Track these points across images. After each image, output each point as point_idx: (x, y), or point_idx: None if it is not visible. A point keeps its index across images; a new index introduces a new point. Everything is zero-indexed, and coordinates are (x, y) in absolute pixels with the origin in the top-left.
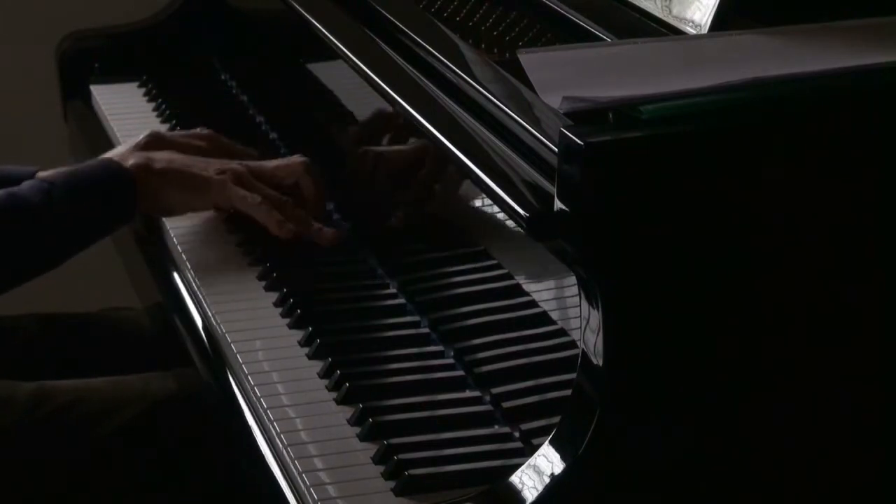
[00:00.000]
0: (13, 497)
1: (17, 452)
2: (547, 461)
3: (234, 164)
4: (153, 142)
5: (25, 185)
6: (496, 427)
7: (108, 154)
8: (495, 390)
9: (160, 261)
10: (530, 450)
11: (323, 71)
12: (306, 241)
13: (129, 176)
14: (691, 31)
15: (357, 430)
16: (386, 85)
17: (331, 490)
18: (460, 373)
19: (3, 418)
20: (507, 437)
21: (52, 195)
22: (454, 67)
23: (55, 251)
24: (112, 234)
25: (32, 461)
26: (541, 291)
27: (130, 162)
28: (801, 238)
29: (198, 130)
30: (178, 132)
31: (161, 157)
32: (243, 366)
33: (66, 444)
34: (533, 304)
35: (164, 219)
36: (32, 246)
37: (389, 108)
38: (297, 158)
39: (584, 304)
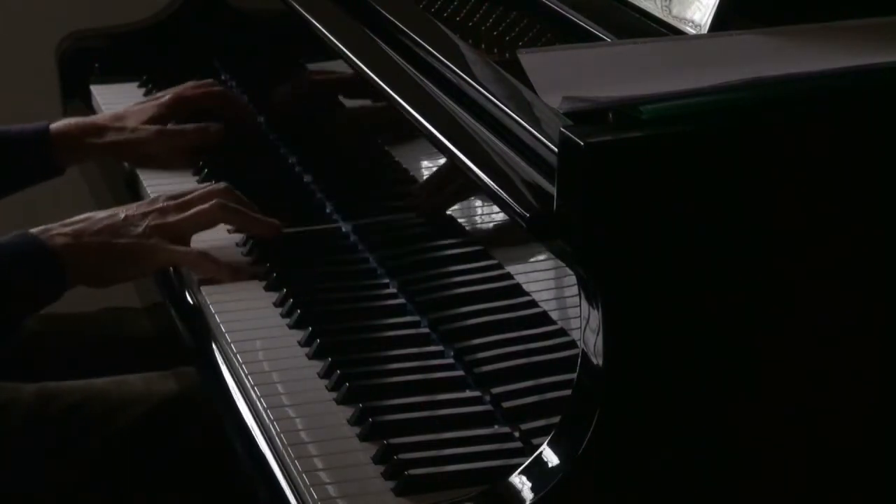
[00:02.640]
0: (19, 498)
1: (22, 454)
2: (547, 461)
3: (156, 214)
4: (174, 103)
5: None
6: (496, 427)
7: (116, 112)
8: (495, 390)
9: None
10: (530, 450)
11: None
12: (306, 241)
13: (56, 257)
14: (691, 31)
15: (357, 430)
16: (386, 85)
17: (331, 490)
18: (460, 373)
19: (8, 420)
20: (507, 437)
21: None
22: (454, 67)
23: None
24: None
25: (37, 462)
26: (541, 291)
27: (58, 243)
28: (801, 238)
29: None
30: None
31: (88, 231)
32: (243, 366)
33: (71, 444)
34: (533, 304)
35: (144, 183)
36: None
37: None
38: (218, 185)
39: (584, 304)
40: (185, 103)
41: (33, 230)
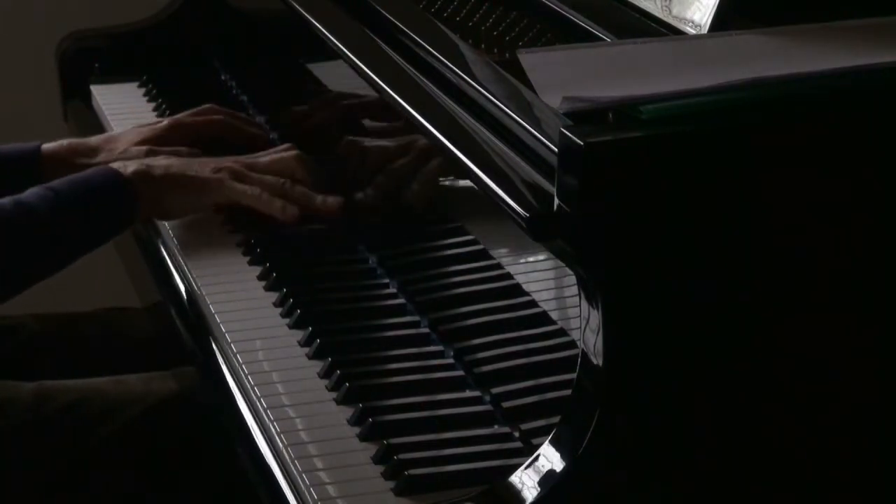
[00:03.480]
0: (15, 497)
1: (19, 453)
2: (547, 461)
3: (229, 162)
4: (170, 129)
5: (30, 192)
6: (496, 427)
7: (111, 134)
8: (495, 390)
9: (160, 261)
10: (530, 450)
11: (323, 71)
12: (306, 238)
13: (130, 185)
14: (691, 31)
15: (357, 430)
16: (386, 85)
17: (331, 490)
18: (460, 373)
19: (6, 419)
20: (507, 437)
21: (56, 203)
22: (454, 67)
23: (59, 257)
24: (113, 238)
25: (34, 461)
26: (541, 291)
27: (130, 170)
28: (801, 238)
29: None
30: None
31: (159, 164)
32: (243, 366)
33: (68, 444)
34: (533, 304)
35: None
36: (38, 252)
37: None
38: (289, 153)
39: (584, 304)
40: (183, 130)
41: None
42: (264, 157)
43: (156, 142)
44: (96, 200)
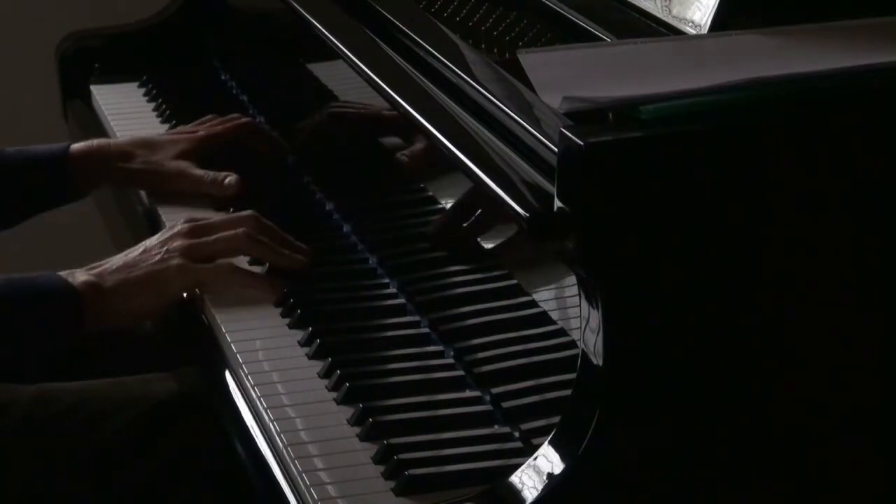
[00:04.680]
0: (15, 500)
1: (19, 455)
2: (547, 461)
3: (179, 240)
4: (206, 141)
5: None
6: (496, 427)
7: (143, 137)
8: (495, 390)
9: None
10: (530, 450)
11: (323, 71)
12: (306, 242)
13: (75, 296)
14: (691, 31)
15: (357, 430)
16: (386, 85)
17: (331, 490)
18: (460, 373)
19: (5, 422)
20: (507, 437)
21: None
22: (454, 67)
23: None
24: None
25: (35, 464)
26: (541, 291)
27: (79, 280)
28: (801, 238)
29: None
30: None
31: (108, 268)
32: (243, 366)
33: (69, 446)
34: (533, 304)
35: (163, 218)
36: None
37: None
38: (238, 233)
39: (584, 304)
40: (216, 140)
41: (60, 273)
42: (218, 219)
43: (192, 155)
44: (33, 305)
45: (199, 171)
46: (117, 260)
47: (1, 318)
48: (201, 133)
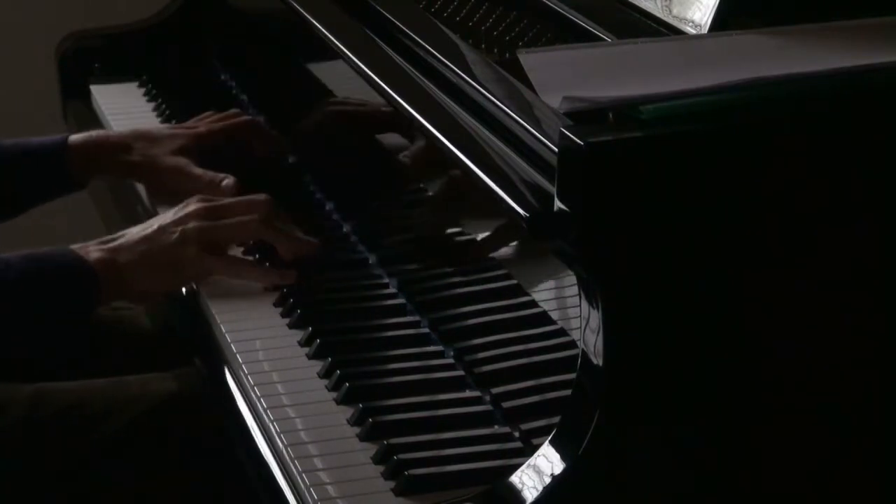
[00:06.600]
0: (14, 499)
1: (17, 455)
2: (547, 461)
3: (194, 221)
4: (205, 137)
5: None
6: (496, 427)
7: (141, 130)
8: (495, 390)
9: None
10: (530, 450)
11: (323, 71)
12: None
13: (90, 272)
14: (691, 31)
15: (357, 430)
16: (386, 85)
17: (331, 490)
18: (460, 373)
19: (4, 421)
20: (507, 437)
21: (6, 276)
22: (454, 67)
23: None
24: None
25: (33, 463)
26: (541, 291)
27: (93, 256)
28: (801, 238)
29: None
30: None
31: (124, 245)
32: (243, 366)
33: (67, 445)
34: (533, 304)
35: None
36: None
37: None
38: (253, 216)
39: (584, 304)
40: (215, 136)
41: (73, 246)
42: (233, 201)
43: (191, 152)
44: (50, 282)
45: (197, 170)
46: (133, 235)
47: (18, 298)
48: (201, 129)
